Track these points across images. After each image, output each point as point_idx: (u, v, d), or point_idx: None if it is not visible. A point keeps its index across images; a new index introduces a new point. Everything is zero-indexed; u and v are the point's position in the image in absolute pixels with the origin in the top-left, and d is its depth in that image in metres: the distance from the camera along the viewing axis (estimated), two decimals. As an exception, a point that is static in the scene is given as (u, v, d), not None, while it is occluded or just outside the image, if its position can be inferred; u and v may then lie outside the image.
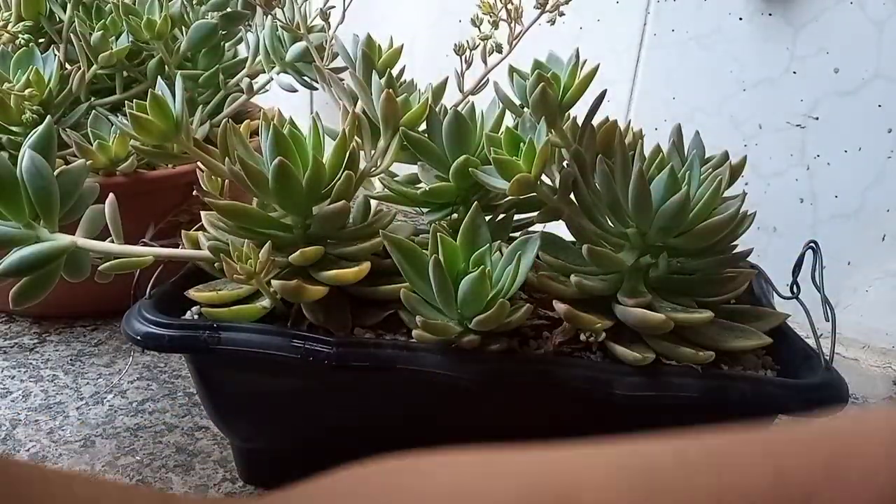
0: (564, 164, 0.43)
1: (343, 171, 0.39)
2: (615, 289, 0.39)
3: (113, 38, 0.61)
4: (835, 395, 0.36)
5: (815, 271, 0.41)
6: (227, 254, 0.37)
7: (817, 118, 0.64)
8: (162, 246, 0.42)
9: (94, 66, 0.60)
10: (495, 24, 0.46)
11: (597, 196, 0.40)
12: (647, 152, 0.41)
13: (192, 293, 0.41)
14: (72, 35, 0.59)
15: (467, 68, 0.48)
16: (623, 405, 0.37)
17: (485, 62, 0.47)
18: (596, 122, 0.42)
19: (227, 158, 0.39)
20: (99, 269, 0.39)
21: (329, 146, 0.40)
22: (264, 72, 0.66)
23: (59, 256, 0.39)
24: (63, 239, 0.39)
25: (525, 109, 0.42)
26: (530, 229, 0.46)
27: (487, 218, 0.41)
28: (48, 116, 0.43)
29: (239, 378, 0.41)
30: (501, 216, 0.44)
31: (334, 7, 0.51)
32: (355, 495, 0.18)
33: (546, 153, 0.37)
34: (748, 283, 0.41)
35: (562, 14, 0.44)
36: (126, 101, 0.50)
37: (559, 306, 0.37)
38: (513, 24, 0.45)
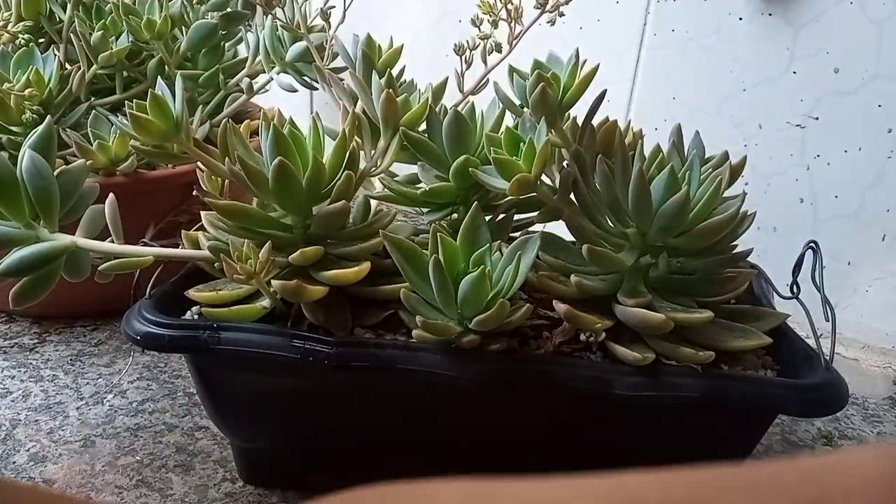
0: (564, 164, 0.43)
1: (343, 171, 0.39)
2: (615, 289, 0.39)
3: (113, 38, 0.61)
4: (835, 395, 0.36)
5: (815, 271, 0.41)
6: (227, 254, 0.37)
7: (817, 118, 0.64)
8: (162, 246, 0.42)
9: (94, 66, 0.60)
10: (495, 24, 0.46)
11: (597, 196, 0.40)
12: (647, 152, 0.41)
13: (192, 293, 0.41)
14: (72, 35, 0.59)
15: (467, 68, 0.48)
16: (623, 405, 0.37)
17: (485, 62, 0.47)
18: (596, 122, 0.42)
19: (227, 158, 0.39)
20: (99, 269, 0.39)
21: (329, 146, 0.40)
22: (264, 72, 0.66)
23: (59, 256, 0.39)
24: (63, 239, 0.39)
25: (525, 109, 0.42)
26: (530, 229, 0.46)
27: (487, 218, 0.41)
28: (48, 116, 0.43)
29: (239, 378, 0.41)
30: (501, 216, 0.44)
31: (334, 7, 0.51)
32: None
33: (546, 153, 0.37)
34: (748, 283, 0.41)
35: (562, 14, 0.44)
36: (126, 101, 0.50)
37: (559, 306, 0.37)
38: (513, 24, 0.45)
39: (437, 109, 0.44)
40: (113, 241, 0.40)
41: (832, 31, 0.61)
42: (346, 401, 0.41)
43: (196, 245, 0.41)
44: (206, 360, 0.40)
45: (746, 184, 0.66)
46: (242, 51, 0.69)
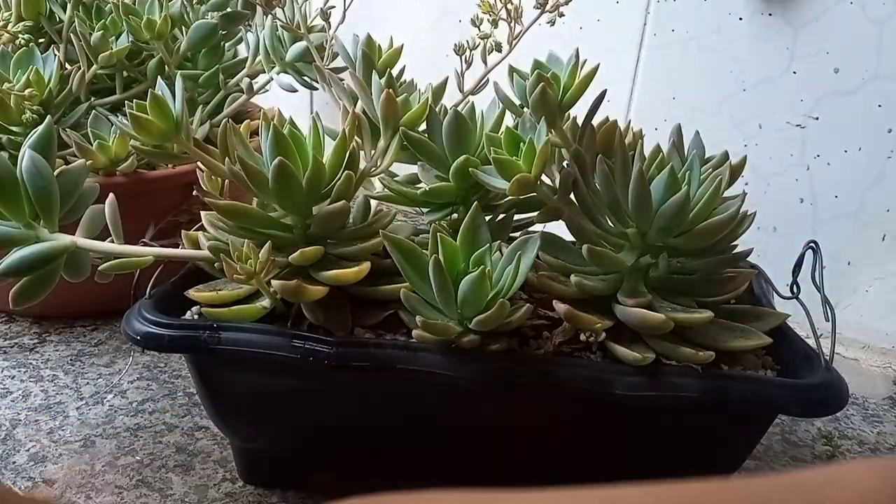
0: (564, 164, 0.43)
1: (343, 171, 0.39)
2: (615, 289, 0.39)
3: (113, 38, 0.61)
4: (835, 395, 0.36)
5: (815, 271, 0.41)
6: (227, 254, 0.37)
7: (817, 118, 0.64)
8: (162, 246, 0.42)
9: (94, 66, 0.60)
10: (495, 24, 0.46)
11: (597, 196, 0.40)
12: (647, 152, 0.41)
13: (192, 293, 0.41)
14: (72, 35, 0.59)
15: (467, 68, 0.48)
16: (623, 405, 0.37)
17: (485, 62, 0.47)
18: (596, 122, 0.42)
19: (227, 158, 0.39)
20: (99, 269, 0.39)
21: (329, 146, 0.40)
22: (264, 72, 0.66)
23: (59, 256, 0.39)
24: (63, 239, 0.39)
25: (525, 109, 0.42)
26: (530, 229, 0.46)
27: (487, 218, 0.41)
28: (48, 116, 0.43)
29: (239, 378, 0.41)
30: (501, 216, 0.44)
31: (334, 7, 0.51)
32: None
33: (546, 153, 0.37)
34: (748, 283, 0.41)
35: (561, 15, 0.44)
36: (126, 101, 0.50)
37: (559, 306, 0.37)
38: (512, 24, 0.45)
39: (437, 109, 0.44)
40: (113, 241, 0.40)
41: (832, 31, 0.61)
42: (346, 401, 0.41)
43: (196, 245, 0.41)
44: (206, 360, 0.40)
45: (746, 184, 0.66)
46: (242, 51, 0.69)
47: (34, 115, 0.53)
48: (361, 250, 0.40)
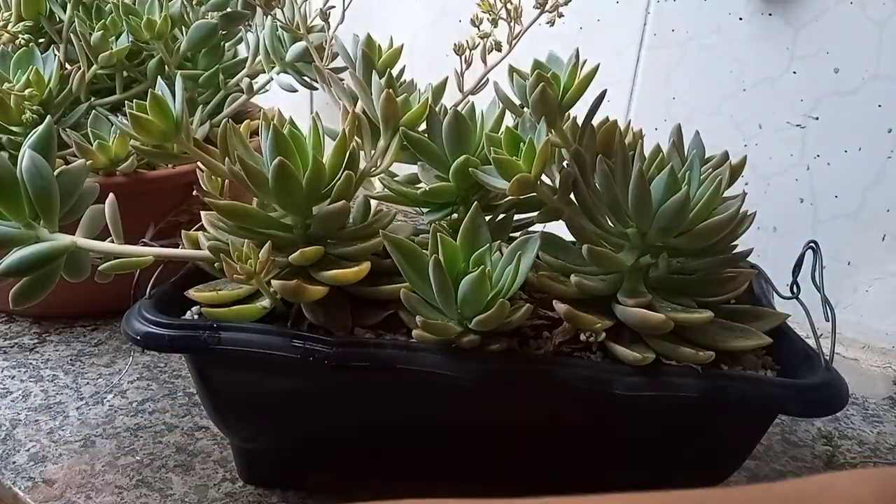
0: (564, 164, 0.43)
1: (343, 171, 0.39)
2: (615, 289, 0.39)
3: (113, 38, 0.61)
4: (835, 395, 0.36)
5: (815, 271, 0.41)
6: (227, 254, 0.37)
7: (817, 118, 0.64)
8: (162, 246, 0.42)
9: (94, 66, 0.60)
10: (494, 23, 0.46)
11: (597, 196, 0.40)
12: (647, 152, 0.41)
13: (192, 293, 0.41)
14: (72, 35, 0.59)
15: (467, 68, 0.48)
16: (623, 405, 0.37)
17: (484, 62, 0.47)
18: (596, 122, 0.42)
19: (227, 158, 0.39)
20: (99, 269, 0.39)
21: (329, 146, 0.40)
22: (264, 72, 0.66)
23: (59, 256, 0.39)
24: (63, 239, 0.39)
25: (525, 109, 0.42)
26: (530, 229, 0.46)
27: (487, 218, 0.41)
28: (48, 116, 0.43)
29: (239, 378, 0.41)
30: (501, 216, 0.44)
31: (334, 7, 0.51)
32: None
33: (546, 153, 0.37)
34: (748, 283, 0.41)
35: (560, 15, 0.44)
36: (126, 101, 0.50)
37: (559, 306, 0.37)
38: (512, 24, 0.45)
39: (437, 109, 0.44)
40: (113, 241, 0.40)
41: (832, 31, 0.61)
42: (346, 401, 0.41)
43: (196, 245, 0.41)
44: (206, 360, 0.40)
45: (746, 184, 0.66)
46: (242, 51, 0.69)
47: (34, 115, 0.53)
48: (361, 250, 0.40)
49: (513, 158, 0.38)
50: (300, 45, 0.63)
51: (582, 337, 0.38)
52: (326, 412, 0.42)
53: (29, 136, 0.40)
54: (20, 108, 0.53)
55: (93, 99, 0.61)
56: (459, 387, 0.37)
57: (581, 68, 0.41)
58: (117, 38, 0.62)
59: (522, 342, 0.39)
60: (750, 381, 0.37)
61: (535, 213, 0.45)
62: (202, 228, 0.42)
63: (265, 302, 0.40)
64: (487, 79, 0.47)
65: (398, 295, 0.37)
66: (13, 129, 0.55)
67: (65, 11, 0.61)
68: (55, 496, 0.44)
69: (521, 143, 0.38)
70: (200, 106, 0.62)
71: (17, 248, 0.38)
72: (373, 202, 0.46)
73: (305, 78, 0.66)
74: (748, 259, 0.42)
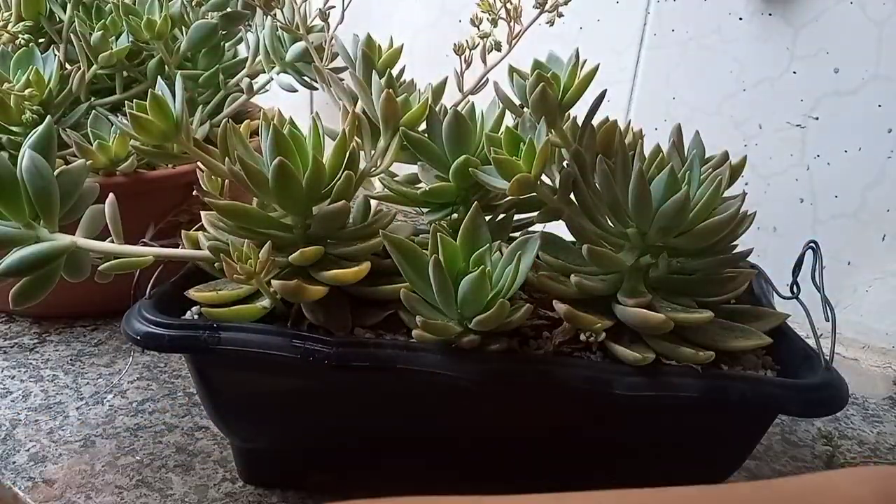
0: (564, 164, 0.43)
1: (343, 171, 0.39)
2: (615, 289, 0.39)
3: (113, 38, 0.61)
4: (835, 395, 0.36)
5: (815, 271, 0.41)
6: (227, 254, 0.37)
7: (817, 118, 0.64)
8: (162, 246, 0.42)
9: (94, 66, 0.60)
10: (494, 23, 0.46)
11: (597, 196, 0.40)
12: (647, 152, 0.41)
13: (192, 293, 0.41)
14: (72, 35, 0.59)
15: (467, 68, 0.48)
16: (623, 405, 0.37)
17: (484, 62, 0.47)
18: (596, 122, 0.42)
19: (227, 158, 0.39)
20: (99, 269, 0.39)
21: (329, 146, 0.40)
22: (264, 72, 0.66)
23: (59, 256, 0.39)
24: (63, 239, 0.39)
25: (525, 109, 0.42)
26: (530, 229, 0.46)
27: (487, 218, 0.41)
28: (48, 116, 0.43)
29: (239, 378, 0.41)
30: (501, 216, 0.44)
31: (334, 7, 0.51)
32: None
33: (546, 153, 0.37)
34: (748, 283, 0.41)
35: (560, 15, 0.44)
36: (126, 101, 0.50)
37: (559, 306, 0.37)
38: (512, 24, 0.45)
39: (436, 109, 0.44)
40: (113, 241, 0.40)
41: (832, 31, 0.61)
42: (346, 401, 0.41)
43: (196, 245, 0.41)
44: (206, 360, 0.40)
45: (746, 184, 0.66)
46: (242, 51, 0.69)
47: (34, 115, 0.53)
48: (361, 250, 0.40)
49: (513, 158, 0.38)
50: (300, 45, 0.63)
51: (582, 337, 0.38)
52: (326, 412, 0.42)
53: (29, 136, 0.40)
54: (20, 108, 0.53)
55: (93, 99, 0.61)
56: (459, 387, 0.37)
57: (581, 68, 0.41)
58: (117, 38, 0.62)
59: (522, 342, 0.39)
60: (750, 381, 0.37)
61: (535, 213, 0.45)
62: (202, 228, 0.42)
63: (265, 302, 0.40)
64: (487, 79, 0.47)
65: (398, 295, 0.37)
66: (13, 129, 0.55)
67: (65, 11, 0.61)
68: (55, 496, 0.44)
69: (521, 143, 0.38)
70: (200, 106, 0.62)
71: (17, 248, 0.38)
72: (373, 202, 0.46)
73: (305, 78, 0.66)
74: (748, 259, 0.42)
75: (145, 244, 0.42)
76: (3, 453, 0.47)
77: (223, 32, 0.65)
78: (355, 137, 0.41)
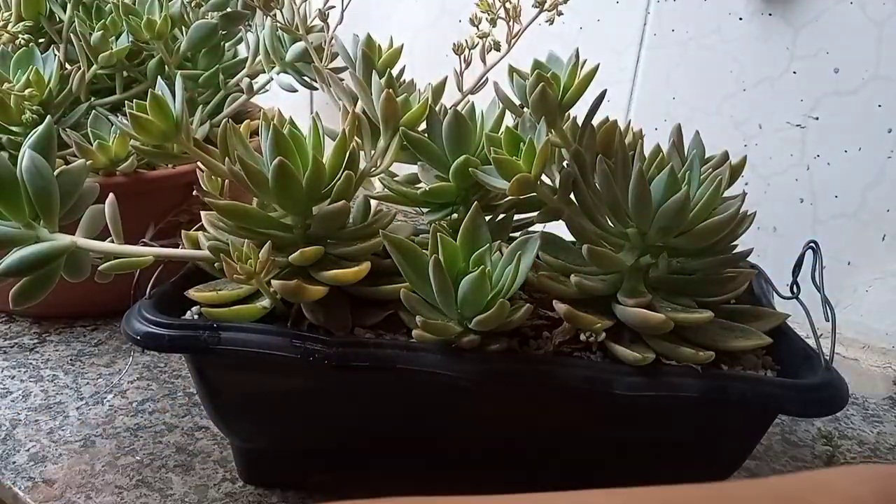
0: (564, 164, 0.43)
1: (343, 171, 0.39)
2: (615, 289, 0.39)
3: (113, 38, 0.61)
4: (835, 394, 0.36)
5: (815, 271, 0.41)
6: (227, 254, 0.37)
7: (817, 118, 0.64)
8: (162, 246, 0.42)
9: (94, 66, 0.60)
10: (493, 23, 0.46)
11: (597, 196, 0.40)
12: (647, 152, 0.41)
13: (192, 293, 0.41)
14: (72, 35, 0.59)
15: (466, 68, 0.48)
16: (623, 405, 0.37)
17: (483, 61, 0.47)
18: (596, 122, 0.42)
19: (227, 158, 0.39)
20: (99, 269, 0.39)
21: (329, 146, 0.40)
22: (264, 72, 0.66)
23: (59, 256, 0.39)
24: (63, 239, 0.39)
25: (525, 109, 0.42)
26: (530, 229, 0.46)
27: (487, 218, 0.41)
28: (48, 116, 0.43)
29: (239, 378, 0.41)
30: (501, 216, 0.44)
31: (333, 7, 0.51)
32: None
33: (546, 153, 0.37)
34: (748, 283, 0.41)
35: (560, 14, 0.44)
36: (126, 101, 0.50)
37: (559, 306, 0.37)
38: (511, 23, 0.45)
39: (436, 109, 0.44)
40: (113, 241, 0.40)
41: (832, 31, 0.61)
42: (346, 401, 0.41)
43: (196, 245, 0.41)
44: (206, 360, 0.40)
45: (746, 184, 0.66)
46: (242, 51, 0.69)
47: (34, 115, 0.53)
48: (361, 250, 0.40)
49: (513, 158, 0.38)
50: (300, 45, 0.63)
51: (582, 337, 0.38)
52: (326, 412, 0.42)
53: (29, 136, 0.40)
54: (20, 108, 0.53)
55: (93, 99, 0.61)
56: (459, 387, 0.37)
57: (581, 68, 0.41)
58: (117, 38, 0.62)
59: (522, 342, 0.39)
60: (750, 381, 0.37)
61: (535, 213, 0.45)
62: (202, 228, 0.42)
63: (265, 302, 0.40)
64: (486, 78, 0.47)
65: (398, 295, 0.37)
66: (13, 129, 0.55)
67: (65, 11, 0.61)
68: (55, 496, 0.44)
69: (521, 143, 0.38)
70: (200, 106, 0.62)
71: (17, 248, 0.38)
72: (373, 202, 0.46)
73: (305, 78, 0.66)
74: (748, 259, 0.42)
75: (145, 244, 0.42)
76: (3, 453, 0.47)
77: (223, 32, 0.65)
78: (355, 137, 0.41)
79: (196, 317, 0.40)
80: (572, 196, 0.41)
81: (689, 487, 0.16)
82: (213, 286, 0.42)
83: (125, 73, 0.63)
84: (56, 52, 0.58)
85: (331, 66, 0.51)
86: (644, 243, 0.39)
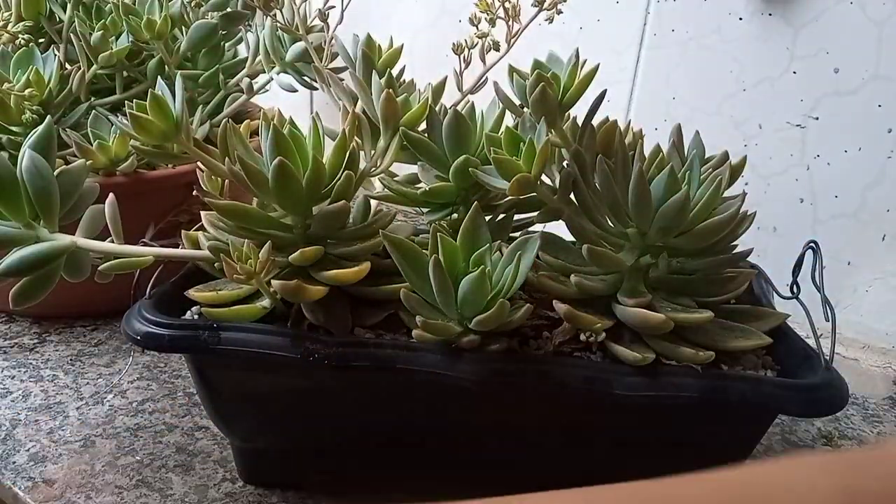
0: (564, 164, 0.43)
1: (343, 171, 0.39)
2: (615, 289, 0.39)
3: (113, 38, 0.61)
4: (835, 394, 0.36)
5: (815, 271, 0.41)
6: (227, 254, 0.37)
7: (817, 118, 0.64)
8: (162, 246, 0.42)
9: (94, 66, 0.60)
10: (493, 23, 0.46)
11: (597, 196, 0.40)
12: (647, 152, 0.41)
13: (192, 293, 0.41)
14: (72, 35, 0.59)
15: (466, 67, 0.48)
16: (623, 405, 0.37)
17: (483, 61, 0.47)
18: (596, 122, 0.42)
19: (227, 158, 0.39)
20: (99, 269, 0.39)
21: (329, 146, 0.40)
22: (264, 72, 0.66)
23: (59, 256, 0.39)
24: (63, 239, 0.39)
25: (525, 109, 0.42)
26: (530, 229, 0.46)
27: (487, 218, 0.41)
28: (48, 116, 0.43)
29: (239, 378, 0.41)
30: (501, 216, 0.44)
31: (333, 7, 0.51)
32: None
33: (546, 153, 0.37)
34: (748, 283, 0.41)
35: (560, 12, 0.44)
36: (126, 101, 0.50)
37: (559, 306, 0.37)
38: (510, 23, 0.45)
39: (436, 109, 0.44)
40: (113, 241, 0.40)
41: (832, 31, 0.61)
42: (346, 401, 0.41)
43: (196, 245, 0.41)
44: (206, 360, 0.40)
45: (746, 184, 0.66)
46: (242, 51, 0.69)
47: (34, 115, 0.53)
48: (361, 250, 0.40)
49: (513, 158, 0.38)
50: (300, 45, 0.63)
51: (582, 337, 0.38)
52: (326, 412, 0.42)
53: (29, 136, 0.40)
54: (20, 108, 0.53)
55: (93, 99, 0.61)
56: (459, 387, 0.37)
57: (581, 68, 0.41)
58: (117, 38, 0.62)
59: (522, 342, 0.39)
60: (750, 381, 0.37)
61: (535, 213, 0.45)
62: (202, 228, 0.42)
63: (265, 302, 0.40)
64: (486, 78, 0.47)
65: (398, 295, 0.37)
66: (13, 129, 0.55)
67: (65, 11, 0.61)
68: (55, 496, 0.44)
69: (521, 143, 0.38)
70: (200, 106, 0.62)
71: (17, 248, 0.38)
72: (373, 202, 0.46)
73: (305, 78, 0.66)
74: (748, 259, 0.42)
75: (145, 244, 0.42)
76: (3, 453, 0.47)
77: (223, 32, 0.65)
78: (355, 137, 0.41)
79: (196, 317, 0.40)
80: (572, 196, 0.41)
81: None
82: (213, 286, 0.42)
83: (125, 73, 0.63)
84: (56, 52, 0.58)
85: (331, 66, 0.51)
86: (644, 243, 0.39)
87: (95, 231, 0.41)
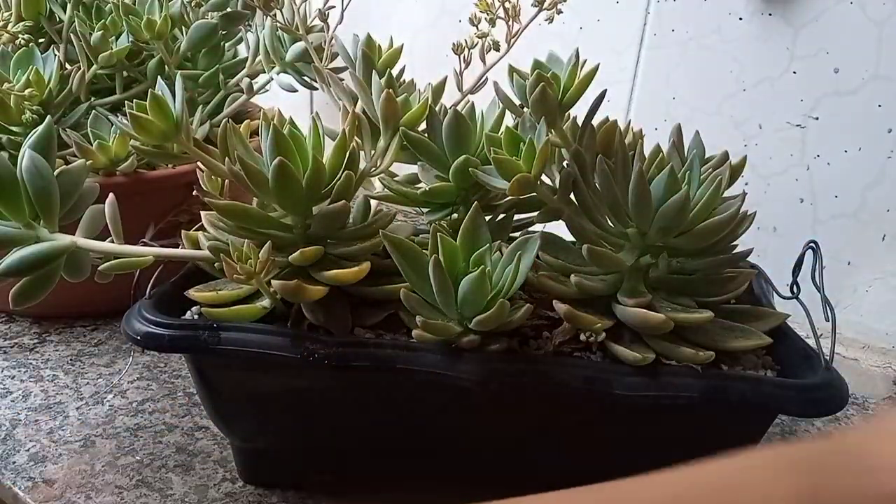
0: (564, 164, 0.43)
1: (343, 171, 0.39)
2: (615, 289, 0.39)
3: (113, 38, 0.61)
4: (835, 394, 0.36)
5: (815, 271, 0.41)
6: (227, 254, 0.37)
7: (817, 118, 0.64)
8: (162, 246, 0.42)
9: (94, 66, 0.60)
10: (493, 22, 0.46)
11: (597, 196, 0.40)
12: (647, 152, 0.41)
13: (192, 293, 0.41)
14: (72, 35, 0.59)
15: (466, 67, 0.48)
16: (623, 405, 0.37)
17: (483, 61, 0.47)
18: (596, 122, 0.42)
19: (227, 158, 0.39)
20: (99, 269, 0.39)
21: (329, 146, 0.40)
22: (264, 72, 0.66)
23: (59, 256, 0.39)
24: (63, 239, 0.39)
25: (525, 109, 0.42)
26: (530, 229, 0.46)
27: (487, 218, 0.41)
28: (48, 116, 0.43)
29: (239, 378, 0.41)
30: (501, 216, 0.44)
31: (333, 7, 0.51)
32: None
33: (546, 153, 0.37)
34: (748, 283, 0.41)
35: (560, 12, 0.44)
36: (126, 101, 0.50)
37: (559, 306, 0.37)
38: (510, 23, 0.45)
39: (436, 109, 0.44)
40: (113, 241, 0.40)
41: (832, 31, 0.61)
42: (347, 401, 0.41)
43: (196, 245, 0.41)
44: (206, 360, 0.40)
45: (746, 184, 0.66)
46: (242, 51, 0.69)
47: (34, 115, 0.53)
48: (361, 250, 0.40)
49: (513, 158, 0.38)
50: (300, 45, 0.63)
51: (582, 337, 0.38)
52: (326, 412, 0.42)
53: (29, 136, 0.40)
54: (20, 108, 0.53)
55: (93, 99, 0.61)
56: (459, 387, 0.37)
57: (581, 68, 0.41)
58: (117, 38, 0.62)
59: (522, 342, 0.39)
60: (750, 381, 0.37)
61: (535, 213, 0.45)
62: (202, 228, 0.42)
63: (265, 302, 0.40)
64: (486, 78, 0.47)
65: (398, 295, 0.37)
66: (13, 129, 0.55)
67: (65, 11, 0.61)
68: (55, 496, 0.44)
69: (521, 143, 0.38)
70: (200, 106, 0.62)
71: (17, 248, 0.38)
72: (373, 202, 0.46)
73: (305, 78, 0.66)
74: (748, 259, 0.42)
75: (145, 244, 0.42)
76: (3, 453, 0.47)
77: (223, 32, 0.65)
78: (355, 137, 0.41)
79: (196, 317, 0.40)
80: (572, 196, 0.41)
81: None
82: (213, 286, 0.42)
83: (125, 73, 0.63)
84: (56, 52, 0.58)
85: (331, 66, 0.51)
86: (644, 243, 0.39)
87: (95, 231, 0.41)
